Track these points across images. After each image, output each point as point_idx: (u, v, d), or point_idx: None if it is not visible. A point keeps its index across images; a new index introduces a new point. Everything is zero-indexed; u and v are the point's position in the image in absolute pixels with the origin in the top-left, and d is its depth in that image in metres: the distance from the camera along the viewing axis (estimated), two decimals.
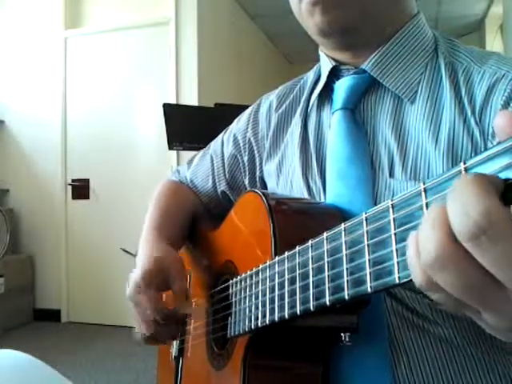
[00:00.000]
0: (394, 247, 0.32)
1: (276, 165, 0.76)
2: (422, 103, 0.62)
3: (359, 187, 0.61)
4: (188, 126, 2.60)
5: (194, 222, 0.86)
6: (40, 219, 3.81)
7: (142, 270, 0.68)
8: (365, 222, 0.35)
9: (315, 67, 0.77)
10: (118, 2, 3.73)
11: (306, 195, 0.68)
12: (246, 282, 0.58)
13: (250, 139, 0.82)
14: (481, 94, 0.58)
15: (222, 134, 0.90)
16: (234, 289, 0.62)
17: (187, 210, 0.86)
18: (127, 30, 3.66)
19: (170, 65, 3.53)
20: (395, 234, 0.32)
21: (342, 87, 0.67)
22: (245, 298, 0.58)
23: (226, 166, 0.86)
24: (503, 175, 0.25)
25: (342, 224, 0.39)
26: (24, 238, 3.84)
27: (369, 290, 0.34)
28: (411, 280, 0.29)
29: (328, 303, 0.40)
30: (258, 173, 0.82)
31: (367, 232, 0.35)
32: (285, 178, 0.74)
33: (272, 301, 0.50)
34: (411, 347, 0.57)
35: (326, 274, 0.41)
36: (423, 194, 0.29)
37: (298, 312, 0.45)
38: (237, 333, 0.59)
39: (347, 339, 0.51)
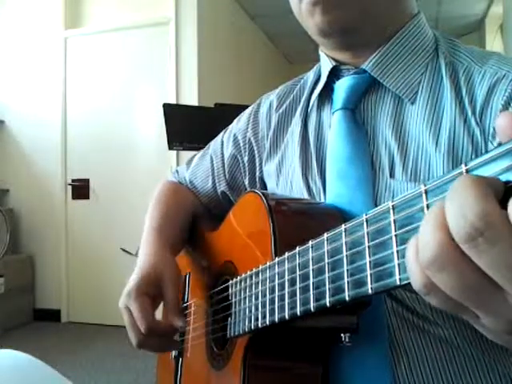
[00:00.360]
0: (394, 249, 0.32)
1: (276, 165, 0.76)
2: (422, 103, 0.62)
3: (359, 187, 0.60)
4: (188, 126, 2.60)
5: (193, 222, 0.86)
6: (40, 219, 3.81)
7: (136, 279, 0.69)
8: (365, 224, 0.35)
9: (315, 67, 0.77)
10: (117, 2, 3.73)
11: (305, 195, 0.68)
12: (245, 282, 0.58)
13: (250, 139, 0.82)
14: (481, 94, 0.58)
15: (221, 134, 0.90)
16: (234, 289, 0.62)
17: (187, 211, 0.86)
18: (127, 30, 3.66)
19: (170, 65, 3.53)
20: (396, 235, 0.32)
21: (342, 87, 0.67)
22: (245, 298, 0.58)
23: (225, 166, 0.86)
24: (504, 177, 0.25)
25: (343, 225, 0.39)
26: (24, 238, 3.84)
27: (369, 291, 0.34)
28: None
29: (328, 304, 0.40)
30: (257, 173, 0.81)
31: (368, 233, 0.35)
32: (285, 178, 0.74)
33: (272, 301, 0.50)
34: (411, 348, 0.57)
35: (327, 275, 0.41)
36: (424, 195, 0.29)
37: (299, 313, 0.45)
38: (237, 333, 0.59)
39: (347, 340, 0.51)
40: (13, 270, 3.54)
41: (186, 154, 3.25)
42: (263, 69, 5.38)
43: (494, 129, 0.55)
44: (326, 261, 0.41)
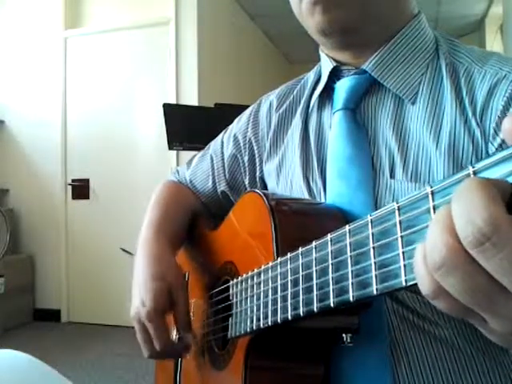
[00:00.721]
0: (400, 250, 0.31)
1: (276, 165, 0.76)
2: (422, 104, 0.62)
3: (360, 187, 0.60)
4: (188, 126, 2.60)
5: (193, 222, 0.86)
6: (40, 219, 3.81)
7: (150, 293, 0.69)
8: (370, 224, 0.35)
9: (315, 67, 0.77)
10: (117, 2, 3.73)
11: (306, 195, 0.68)
12: (247, 282, 0.58)
13: (250, 139, 0.82)
14: (482, 94, 0.58)
15: (221, 135, 0.90)
16: (235, 290, 0.61)
17: (187, 209, 0.86)
18: (127, 30, 3.66)
19: (170, 65, 3.53)
20: (401, 236, 0.31)
21: (342, 87, 0.67)
22: (246, 299, 0.57)
23: (226, 165, 0.85)
24: (511, 180, 0.25)
25: (347, 226, 0.39)
26: (24, 238, 3.84)
27: (374, 292, 0.34)
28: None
29: (332, 305, 0.40)
30: (258, 173, 0.81)
31: (373, 234, 0.35)
32: (285, 178, 0.73)
33: (275, 302, 0.50)
34: (412, 348, 0.57)
35: (330, 275, 0.40)
36: (430, 196, 0.29)
37: (302, 313, 0.45)
38: (238, 334, 0.59)
39: (348, 340, 0.51)
40: (13, 270, 3.54)
41: (186, 154, 3.25)
42: (263, 69, 5.38)
43: (494, 130, 0.55)
44: (330, 261, 0.41)
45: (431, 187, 0.29)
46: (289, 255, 0.48)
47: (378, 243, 0.34)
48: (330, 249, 0.41)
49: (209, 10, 3.77)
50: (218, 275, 0.71)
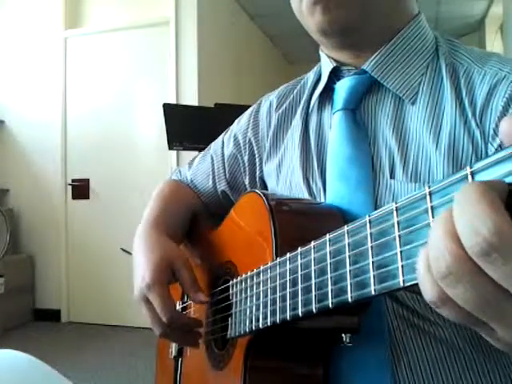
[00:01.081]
0: (398, 250, 0.31)
1: (276, 165, 0.76)
2: (422, 104, 0.62)
3: (360, 188, 0.60)
4: (188, 126, 2.60)
5: (193, 221, 0.86)
6: (40, 219, 3.81)
7: (149, 268, 0.68)
8: (368, 225, 0.35)
9: (315, 67, 0.77)
10: (117, 2, 3.73)
11: (306, 195, 0.68)
12: (246, 282, 0.58)
13: (250, 139, 0.82)
14: (481, 95, 0.58)
15: (222, 135, 0.90)
16: (235, 289, 0.62)
17: (186, 209, 0.86)
18: (127, 30, 3.66)
19: (170, 65, 3.53)
20: (399, 236, 0.31)
21: (342, 88, 0.67)
22: (246, 298, 0.58)
23: (226, 165, 0.86)
24: (509, 180, 0.25)
25: (345, 226, 0.39)
26: (24, 238, 3.84)
27: (373, 292, 0.34)
28: (416, 284, 0.29)
29: (331, 305, 0.40)
30: (258, 173, 0.81)
31: (371, 234, 0.35)
32: (285, 178, 0.74)
33: (273, 302, 0.50)
34: (412, 348, 0.57)
35: (329, 275, 0.41)
36: (428, 197, 0.29)
37: (300, 314, 0.45)
38: (237, 333, 0.59)
39: (348, 340, 0.51)
40: (13, 270, 3.54)
41: (186, 154, 3.25)
42: (263, 69, 5.39)
43: (494, 130, 0.55)
44: (329, 261, 0.41)
45: (429, 188, 0.29)
46: (288, 255, 0.48)
47: (376, 243, 0.34)
48: (328, 249, 0.41)
49: (209, 10, 3.77)
50: (218, 275, 0.71)
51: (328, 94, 0.70)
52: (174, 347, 0.82)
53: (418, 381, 0.56)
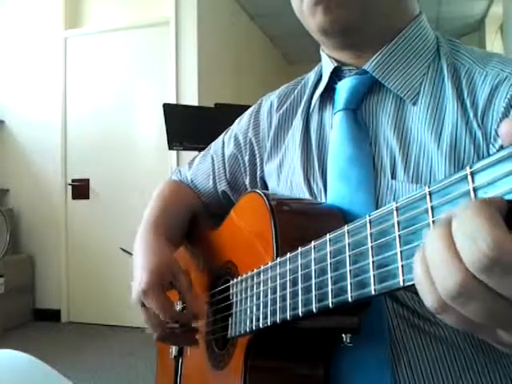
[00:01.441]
0: (398, 250, 0.31)
1: (277, 165, 0.76)
2: (424, 105, 0.61)
3: (361, 188, 0.60)
4: (188, 126, 2.60)
5: (194, 221, 0.86)
6: (40, 219, 3.81)
7: (146, 272, 0.68)
8: (368, 225, 0.35)
9: (316, 67, 0.77)
10: (117, 2, 3.73)
11: (307, 196, 0.68)
12: (247, 282, 0.58)
13: (251, 139, 0.82)
14: (483, 96, 0.57)
15: (222, 135, 0.90)
16: (235, 289, 0.62)
17: (186, 209, 0.86)
18: (127, 30, 3.66)
19: (170, 65, 3.53)
20: (399, 236, 0.32)
21: (343, 88, 0.67)
22: (246, 298, 0.58)
23: (226, 165, 0.86)
24: (508, 180, 0.25)
25: (346, 226, 0.39)
26: (24, 237, 3.84)
27: (373, 292, 0.34)
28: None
29: (331, 305, 0.40)
30: (258, 173, 0.81)
31: (371, 234, 0.35)
32: (285, 178, 0.73)
33: (274, 302, 0.50)
34: (412, 348, 0.57)
35: (329, 275, 0.41)
36: (428, 197, 0.29)
37: (301, 314, 0.45)
38: (237, 333, 0.59)
39: (348, 340, 0.51)
40: (13, 270, 3.54)
41: (186, 154, 3.25)
42: (263, 69, 5.38)
43: (495, 131, 0.55)
44: (329, 261, 0.41)
45: (429, 188, 0.29)
46: (288, 255, 0.48)
47: (377, 243, 0.34)
48: (328, 249, 0.41)
49: (209, 10, 3.77)
50: (219, 275, 0.71)
51: (329, 94, 0.70)
52: (174, 347, 0.82)
53: (418, 380, 0.56)
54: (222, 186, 0.86)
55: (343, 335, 0.52)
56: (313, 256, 0.44)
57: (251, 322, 0.55)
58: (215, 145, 0.90)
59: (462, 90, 0.60)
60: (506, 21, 4.18)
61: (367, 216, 0.36)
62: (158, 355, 0.93)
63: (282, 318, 0.48)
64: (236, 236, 0.69)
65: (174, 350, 0.81)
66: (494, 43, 4.96)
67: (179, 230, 0.83)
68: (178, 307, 0.80)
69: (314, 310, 0.43)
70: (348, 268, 0.38)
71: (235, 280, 0.62)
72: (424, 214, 0.30)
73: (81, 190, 3.75)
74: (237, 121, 0.88)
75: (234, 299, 0.62)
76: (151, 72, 3.61)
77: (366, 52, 0.65)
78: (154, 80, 3.60)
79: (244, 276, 0.59)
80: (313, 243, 0.44)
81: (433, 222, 0.29)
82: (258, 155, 0.81)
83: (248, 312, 0.56)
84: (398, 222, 0.32)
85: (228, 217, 0.73)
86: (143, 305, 0.68)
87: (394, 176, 0.60)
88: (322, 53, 0.72)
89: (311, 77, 0.78)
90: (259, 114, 0.82)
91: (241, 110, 0.91)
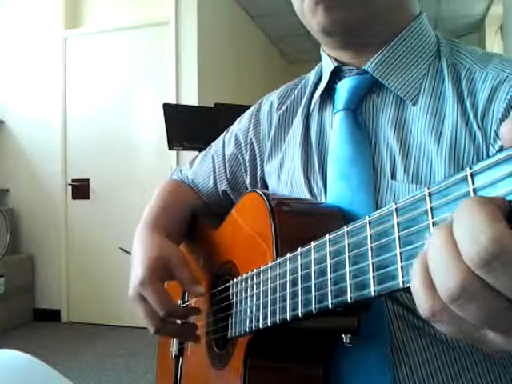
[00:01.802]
0: (397, 251, 0.31)
1: (277, 165, 0.76)
2: (424, 105, 0.61)
3: (361, 189, 0.60)
4: (188, 126, 2.60)
5: (194, 220, 0.86)
6: (40, 219, 3.81)
7: (143, 266, 0.68)
8: (368, 226, 0.35)
9: (316, 67, 0.77)
10: (117, 2, 3.73)
11: (307, 196, 0.68)
12: (247, 282, 0.58)
13: (251, 139, 0.82)
14: (483, 96, 0.57)
15: (223, 135, 0.90)
16: (235, 289, 0.62)
17: (186, 208, 0.86)
18: (127, 30, 3.66)
19: (170, 65, 3.53)
20: (399, 237, 0.32)
21: (344, 88, 0.67)
22: (246, 298, 0.58)
23: (227, 165, 0.86)
24: (508, 182, 0.25)
25: (345, 227, 0.39)
26: (24, 237, 3.84)
27: (372, 293, 0.34)
28: None
29: (330, 306, 0.40)
30: (259, 173, 0.81)
31: (370, 235, 0.35)
32: (286, 178, 0.73)
33: (274, 302, 0.50)
34: (412, 349, 0.57)
35: (329, 276, 0.41)
36: (428, 198, 0.29)
37: (300, 314, 0.45)
38: (237, 333, 0.59)
39: (348, 341, 0.51)
40: (13, 269, 3.54)
41: (186, 154, 3.25)
42: (263, 69, 5.38)
43: (495, 132, 0.55)
44: (329, 262, 0.41)
45: (428, 188, 0.29)
46: (288, 256, 0.48)
47: (376, 244, 0.34)
48: (328, 250, 0.41)
49: (209, 9, 3.77)
50: (218, 275, 0.71)
51: (329, 93, 0.70)
52: (174, 346, 0.82)
53: (418, 381, 0.56)
54: (223, 186, 0.86)
55: (343, 336, 0.52)
56: (313, 256, 0.44)
57: (251, 322, 0.55)
58: (216, 144, 0.90)
59: (462, 90, 0.60)
60: (506, 21, 4.18)
61: (367, 217, 0.36)
62: (158, 355, 0.93)
63: (282, 319, 0.48)
64: (236, 236, 0.69)
65: (174, 349, 0.81)
66: (494, 43, 4.95)
67: (179, 229, 0.83)
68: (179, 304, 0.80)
69: (314, 310, 0.43)
70: (348, 269, 0.38)
71: (235, 280, 0.62)
72: (424, 215, 0.30)
73: (81, 190, 3.75)
74: (237, 121, 0.88)
75: (234, 299, 0.62)
76: (151, 72, 3.61)
77: (366, 52, 0.65)
78: (153, 80, 3.60)
79: (244, 276, 0.59)
80: (313, 243, 0.44)
81: (433, 223, 0.29)
82: (258, 155, 0.81)
83: (248, 312, 0.56)
84: (398, 223, 0.32)
85: (228, 216, 0.73)
86: (141, 299, 0.67)
87: (393, 176, 0.60)
88: (322, 52, 0.72)
89: (311, 77, 0.78)
90: (259, 113, 0.82)
91: (241, 109, 0.91)
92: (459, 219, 0.25)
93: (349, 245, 0.38)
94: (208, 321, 0.72)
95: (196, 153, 0.95)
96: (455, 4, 4.71)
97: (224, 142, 0.88)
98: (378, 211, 0.34)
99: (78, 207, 3.76)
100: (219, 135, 0.92)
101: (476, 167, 0.26)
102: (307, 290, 0.44)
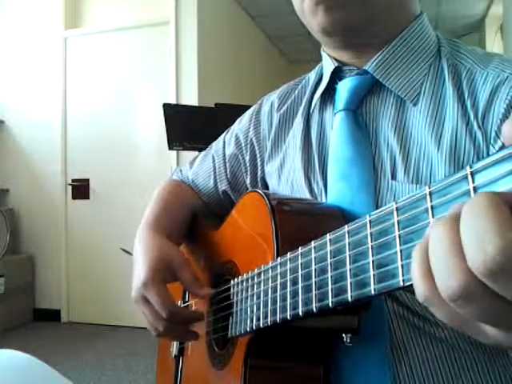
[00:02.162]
0: (398, 250, 0.31)
1: (277, 165, 0.76)
2: (424, 105, 0.61)
3: (361, 189, 0.60)
4: (188, 126, 2.60)
5: (194, 220, 0.86)
6: (40, 219, 3.81)
7: (146, 267, 0.68)
8: (368, 225, 0.35)
9: (317, 67, 0.77)
10: (117, 2, 3.73)
11: (307, 196, 0.68)
12: (247, 282, 0.58)
13: (251, 139, 0.82)
14: (484, 97, 0.57)
15: (223, 135, 0.90)
16: (236, 289, 0.62)
17: (187, 208, 0.86)
18: (127, 30, 3.66)
19: (170, 65, 3.53)
20: (399, 236, 0.32)
21: (344, 88, 0.67)
22: (246, 298, 0.58)
23: (227, 165, 0.86)
24: (509, 180, 0.24)
25: (346, 226, 0.39)
26: (24, 237, 3.84)
27: (372, 292, 0.34)
28: None
29: (331, 305, 0.40)
30: (259, 173, 0.81)
31: (371, 234, 0.35)
32: (286, 178, 0.73)
33: (274, 302, 0.50)
34: (412, 348, 0.57)
35: (329, 275, 0.41)
36: (428, 197, 0.29)
37: (301, 313, 0.45)
38: (238, 333, 0.59)
39: (348, 340, 0.51)
40: (13, 270, 3.54)
41: (186, 154, 3.25)
42: (263, 69, 5.38)
43: (496, 132, 0.55)
44: (329, 261, 0.41)
45: (429, 187, 0.29)
46: (288, 255, 0.48)
47: (376, 243, 0.34)
48: (329, 249, 0.41)
49: (209, 9, 3.77)
50: (219, 274, 0.71)
51: (330, 94, 0.70)
52: (175, 346, 0.82)
53: (418, 381, 0.56)
54: (223, 186, 0.86)
55: (343, 335, 0.52)
56: (313, 255, 0.44)
57: (251, 321, 0.55)
58: (216, 145, 0.90)
59: (463, 90, 0.60)
60: (506, 21, 4.18)
61: (367, 216, 0.36)
62: (158, 355, 0.93)
63: (282, 318, 0.48)
64: (236, 236, 0.69)
65: (174, 349, 0.81)
66: (494, 43, 4.95)
67: (180, 229, 0.83)
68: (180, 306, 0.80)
69: (314, 309, 0.43)
70: (348, 267, 0.38)
71: (236, 280, 0.62)
72: (424, 214, 0.30)
73: (81, 190, 3.75)
74: (237, 121, 0.88)
75: (235, 298, 0.62)
76: (151, 72, 3.61)
77: (366, 52, 0.65)
78: (153, 80, 3.60)
79: (244, 275, 0.59)
80: (313, 243, 0.44)
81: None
82: (258, 155, 0.81)
83: (248, 311, 0.56)
84: (398, 222, 0.32)
85: (229, 216, 0.73)
86: (144, 300, 0.67)
87: (394, 177, 0.60)
88: (322, 53, 0.72)
89: (312, 77, 0.78)
90: (260, 113, 0.82)
91: (241, 109, 0.91)
92: (467, 220, 0.24)
93: (349, 243, 0.38)
94: (208, 320, 0.72)
95: (196, 153, 0.96)
96: (455, 4, 4.71)
97: (224, 142, 0.88)
98: (379, 210, 0.34)
99: (77, 207, 3.76)
100: (219, 135, 0.92)
101: (476, 166, 0.26)
102: (308, 289, 0.44)
